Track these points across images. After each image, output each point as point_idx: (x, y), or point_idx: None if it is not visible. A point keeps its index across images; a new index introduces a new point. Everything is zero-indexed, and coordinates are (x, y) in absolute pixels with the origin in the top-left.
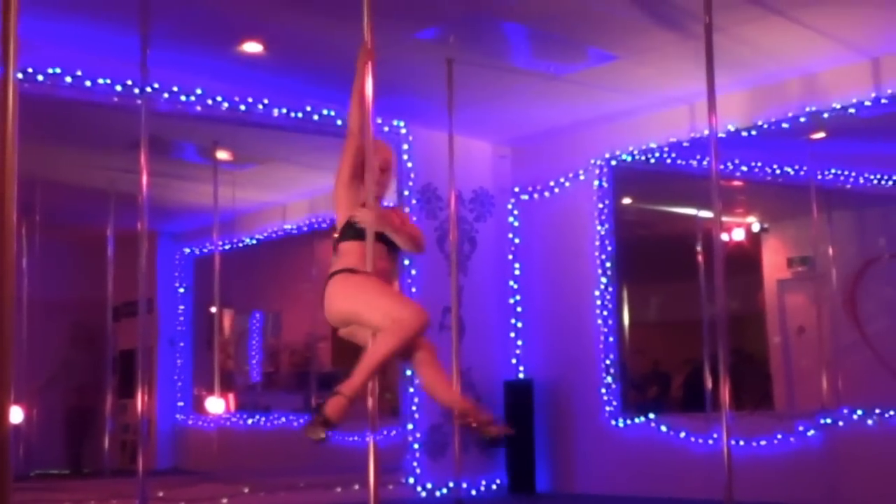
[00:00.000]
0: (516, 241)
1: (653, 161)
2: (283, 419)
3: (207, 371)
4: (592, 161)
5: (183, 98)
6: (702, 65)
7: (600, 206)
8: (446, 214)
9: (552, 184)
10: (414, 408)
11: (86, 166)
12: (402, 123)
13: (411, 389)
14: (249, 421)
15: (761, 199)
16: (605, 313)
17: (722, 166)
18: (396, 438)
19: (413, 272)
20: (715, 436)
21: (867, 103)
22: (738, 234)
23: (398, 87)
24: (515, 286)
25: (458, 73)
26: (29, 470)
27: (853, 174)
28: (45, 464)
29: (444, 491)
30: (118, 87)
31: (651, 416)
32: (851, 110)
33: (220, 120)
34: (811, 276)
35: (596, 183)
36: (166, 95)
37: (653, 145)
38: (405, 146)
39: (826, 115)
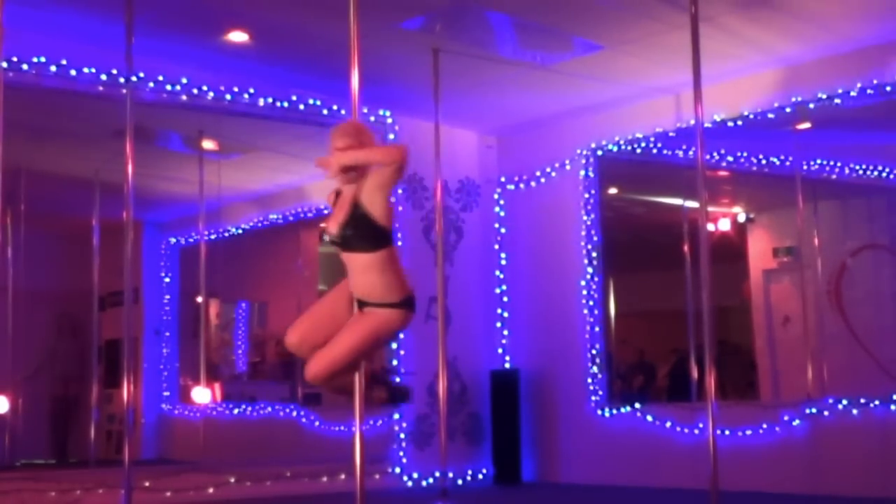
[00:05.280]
0: (502, 230)
1: (639, 151)
2: (269, 409)
3: (193, 361)
4: (578, 151)
5: (168, 87)
6: (688, 55)
7: (586, 195)
8: (432, 204)
9: (538, 174)
10: None
11: (71, 156)
12: (387, 113)
13: (398, 379)
14: (235, 411)
15: (747, 189)
16: (590, 303)
17: (708, 156)
18: (383, 428)
19: None
20: (700, 425)
21: (852, 94)
22: (724, 225)
23: (384, 77)
24: (501, 276)
25: (443, 62)
26: (14, 460)
27: (839, 164)
28: (30, 454)
29: (430, 481)
30: (103, 76)
31: (637, 406)
32: (837, 101)
33: (205, 109)
34: (796, 267)
35: (582, 173)
36: (151, 85)
37: (639, 135)
38: (391, 136)
39: (811, 106)
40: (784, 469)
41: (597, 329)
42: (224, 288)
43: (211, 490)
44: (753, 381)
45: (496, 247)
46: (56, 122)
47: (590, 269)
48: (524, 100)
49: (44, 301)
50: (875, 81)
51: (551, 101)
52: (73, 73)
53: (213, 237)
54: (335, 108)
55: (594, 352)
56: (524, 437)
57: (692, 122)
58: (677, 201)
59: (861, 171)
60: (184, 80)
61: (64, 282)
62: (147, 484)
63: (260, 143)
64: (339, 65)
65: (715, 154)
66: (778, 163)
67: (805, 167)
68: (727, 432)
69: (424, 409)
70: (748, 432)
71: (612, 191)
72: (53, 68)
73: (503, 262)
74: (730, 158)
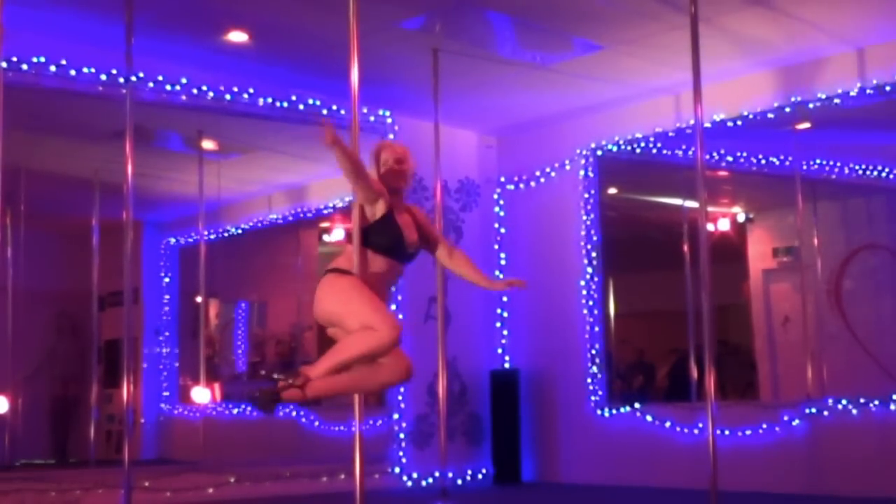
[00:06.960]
0: (502, 230)
1: (638, 151)
2: None
3: (193, 361)
4: (578, 151)
5: (168, 87)
6: (687, 55)
7: (586, 195)
8: (432, 204)
9: (538, 174)
10: (400, 398)
11: (70, 156)
12: (387, 113)
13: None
14: (235, 411)
15: (747, 189)
16: (590, 303)
17: (707, 156)
18: (382, 428)
19: None
20: (700, 425)
21: (852, 94)
22: (724, 225)
23: (384, 77)
24: (501, 276)
25: (443, 62)
26: (14, 460)
27: (838, 164)
28: (30, 454)
29: (430, 480)
30: (103, 77)
31: (636, 405)
32: (836, 101)
33: (205, 109)
34: (796, 267)
35: (581, 173)
36: (151, 85)
37: (638, 135)
38: (391, 136)
39: (811, 106)
40: (784, 469)
41: (597, 329)
42: (224, 288)
43: (211, 490)
44: (753, 381)
45: (496, 247)
46: (56, 122)
47: (590, 269)
48: (524, 100)
49: (44, 301)
50: (874, 81)
51: (551, 101)
52: (72, 73)
53: (212, 237)
54: (335, 108)
55: (594, 352)
56: (524, 437)
57: (692, 122)
58: (677, 201)
59: (861, 171)
60: (184, 80)
61: (64, 282)
62: (147, 484)
63: (260, 143)
64: (338, 65)
65: (715, 154)
66: (777, 163)
67: (804, 167)
68: (727, 432)
69: (424, 409)
70: (748, 432)
71: (612, 191)
72: (53, 68)
73: (503, 262)
74: (729, 158)
